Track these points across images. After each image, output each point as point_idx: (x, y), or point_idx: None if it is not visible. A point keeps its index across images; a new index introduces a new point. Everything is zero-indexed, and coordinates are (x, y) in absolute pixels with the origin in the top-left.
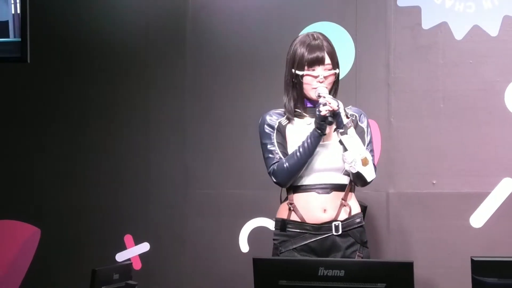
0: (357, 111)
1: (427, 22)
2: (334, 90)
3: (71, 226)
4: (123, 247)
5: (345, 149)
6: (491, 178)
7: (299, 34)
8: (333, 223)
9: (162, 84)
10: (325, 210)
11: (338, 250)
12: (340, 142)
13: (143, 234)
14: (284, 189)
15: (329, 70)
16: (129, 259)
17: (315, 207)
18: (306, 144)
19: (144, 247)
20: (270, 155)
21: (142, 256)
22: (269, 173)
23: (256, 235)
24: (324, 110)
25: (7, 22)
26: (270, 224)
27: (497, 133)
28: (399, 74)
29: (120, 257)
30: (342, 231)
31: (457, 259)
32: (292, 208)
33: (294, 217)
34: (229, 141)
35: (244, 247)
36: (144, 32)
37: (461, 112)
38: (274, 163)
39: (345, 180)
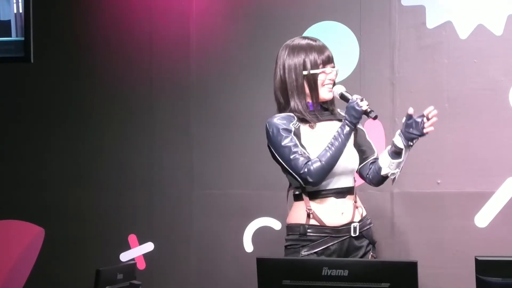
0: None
1: (432, 21)
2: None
3: (75, 226)
4: (127, 247)
5: (396, 157)
6: (495, 177)
7: (290, 40)
8: (352, 225)
9: (167, 85)
10: (342, 213)
11: (355, 251)
12: (398, 150)
13: (147, 234)
14: (291, 195)
15: (334, 67)
16: (133, 259)
17: (334, 211)
18: (340, 139)
19: (148, 247)
20: (298, 156)
21: (146, 256)
22: (302, 173)
23: (260, 235)
24: (365, 105)
25: (9, 21)
26: (274, 224)
27: (501, 132)
28: (404, 74)
29: (124, 257)
30: (359, 232)
31: (462, 259)
32: (311, 215)
33: (313, 222)
34: (234, 142)
35: (248, 247)
36: (149, 32)
37: (465, 112)
38: (307, 163)
39: (353, 182)
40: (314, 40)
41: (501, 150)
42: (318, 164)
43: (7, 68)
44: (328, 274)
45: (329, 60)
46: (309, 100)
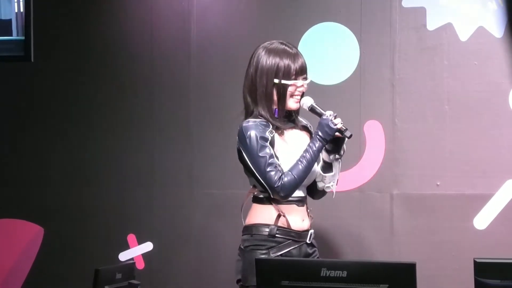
0: (308, 123)
1: (432, 23)
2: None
3: (75, 225)
4: (126, 247)
5: (329, 171)
6: (495, 180)
7: (266, 42)
8: (310, 231)
9: (167, 84)
10: (303, 220)
11: (309, 257)
12: (328, 164)
13: (146, 234)
14: (250, 198)
15: (306, 79)
16: (132, 259)
17: (297, 216)
18: (312, 154)
19: (147, 246)
20: (273, 169)
21: (145, 255)
22: (276, 187)
23: None
24: (339, 123)
25: (10, 20)
26: None
27: (501, 134)
28: (404, 75)
29: (123, 256)
30: (311, 240)
31: (460, 261)
32: (282, 215)
33: (281, 223)
34: (233, 142)
35: None
36: (149, 32)
37: (465, 114)
38: (281, 177)
39: (305, 192)
40: (291, 47)
41: (500, 152)
42: (291, 178)
43: (7, 67)
44: (327, 275)
45: (302, 71)
46: (275, 107)
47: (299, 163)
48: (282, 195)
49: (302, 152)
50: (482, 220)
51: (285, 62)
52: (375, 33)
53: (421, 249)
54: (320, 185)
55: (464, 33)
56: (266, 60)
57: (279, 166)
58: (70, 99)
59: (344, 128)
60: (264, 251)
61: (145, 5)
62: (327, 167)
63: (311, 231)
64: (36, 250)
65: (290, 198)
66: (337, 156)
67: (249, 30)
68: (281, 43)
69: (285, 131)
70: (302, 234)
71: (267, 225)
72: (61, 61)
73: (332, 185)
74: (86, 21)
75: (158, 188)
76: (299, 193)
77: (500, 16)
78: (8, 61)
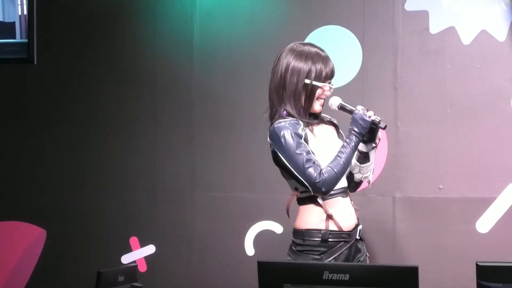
0: (332, 117)
1: (435, 26)
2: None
3: (77, 228)
4: (128, 249)
5: (366, 161)
6: (497, 183)
7: (295, 43)
8: (359, 227)
9: (170, 88)
10: (351, 214)
11: (359, 253)
12: (364, 154)
13: (148, 237)
14: (295, 201)
15: (331, 84)
16: (134, 261)
17: (345, 212)
18: (349, 150)
19: (150, 249)
20: (313, 165)
21: (147, 258)
22: (317, 183)
23: (261, 238)
24: (373, 115)
25: (13, 23)
26: (275, 227)
27: (504, 138)
28: (406, 78)
29: (126, 259)
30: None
31: (463, 264)
32: (331, 217)
33: (332, 226)
34: (236, 145)
35: (250, 250)
36: (152, 35)
37: (468, 117)
38: (321, 172)
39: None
40: (322, 50)
41: (503, 156)
42: (332, 173)
43: (11, 69)
44: (329, 278)
45: (331, 75)
46: (301, 106)
47: (338, 158)
48: (323, 190)
49: (339, 147)
50: (485, 223)
51: (317, 65)
52: (378, 37)
53: (423, 252)
54: (357, 176)
55: (467, 37)
56: (299, 61)
57: (317, 161)
58: (73, 101)
59: (378, 119)
60: (317, 256)
61: (148, 8)
62: (364, 157)
63: (360, 226)
64: (39, 252)
65: (332, 192)
66: (373, 145)
67: (252, 33)
68: (313, 46)
69: (313, 127)
70: (352, 233)
71: (319, 231)
72: (64, 63)
73: (369, 175)
74: (89, 24)
75: (160, 191)
76: (341, 184)
77: (502, 20)
78: (11, 63)
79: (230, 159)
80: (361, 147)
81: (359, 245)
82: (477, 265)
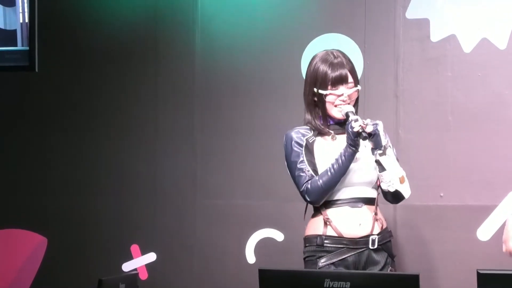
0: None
1: (436, 34)
2: (356, 107)
3: (78, 235)
4: (129, 257)
5: (382, 169)
6: (498, 191)
7: (320, 52)
8: (370, 237)
9: (171, 94)
10: (360, 224)
11: (373, 264)
12: (377, 162)
13: (149, 244)
14: (310, 207)
15: (352, 87)
16: (135, 269)
17: (350, 221)
18: (340, 161)
19: (151, 257)
20: (301, 173)
21: (148, 266)
22: (302, 191)
23: (262, 246)
24: (357, 126)
25: (15, 31)
26: (277, 235)
27: (505, 145)
28: (408, 86)
29: (127, 267)
30: (378, 245)
31: (464, 272)
32: (328, 223)
33: (330, 232)
34: (237, 152)
35: (251, 257)
36: (153, 41)
37: (469, 125)
38: (307, 181)
39: (374, 194)
40: (336, 56)
41: (504, 164)
42: (316, 185)
43: (12, 77)
44: (330, 286)
45: (341, 80)
46: (318, 113)
47: (328, 169)
48: (308, 200)
49: (334, 158)
50: (486, 231)
51: (322, 71)
52: (379, 44)
53: (424, 260)
54: (383, 186)
55: (467, 45)
56: (311, 68)
57: (309, 171)
58: (74, 108)
59: (361, 130)
60: (314, 261)
61: (149, 15)
62: (379, 166)
63: (374, 237)
64: (40, 260)
65: (338, 201)
66: (379, 151)
67: (253, 40)
68: (330, 52)
69: (338, 136)
70: (359, 241)
71: (317, 236)
72: (66, 71)
73: (391, 184)
74: (90, 31)
75: (161, 198)
76: (353, 194)
77: (503, 28)
78: (13, 71)
79: (231, 167)
80: (372, 156)
81: (376, 257)
82: (478, 273)
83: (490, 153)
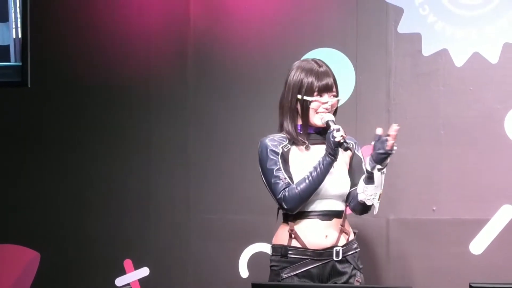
0: (352, 140)
1: (428, 49)
2: (335, 117)
3: (71, 250)
4: (122, 272)
5: (371, 182)
6: (491, 204)
7: (300, 60)
8: (334, 249)
9: (164, 108)
10: (326, 236)
11: (338, 276)
12: (370, 175)
13: (143, 259)
14: (280, 214)
15: (334, 97)
16: (128, 284)
17: (317, 233)
18: (319, 169)
19: (144, 272)
20: (278, 181)
21: (141, 281)
22: (278, 199)
23: (255, 260)
24: (338, 136)
25: (8, 46)
26: (269, 249)
27: (497, 160)
28: (399, 101)
29: (120, 281)
30: (342, 257)
31: (457, 286)
32: (293, 235)
33: (295, 243)
34: (231, 166)
35: (244, 272)
36: (146, 55)
37: (461, 139)
38: (284, 189)
39: (343, 206)
40: (320, 65)
41: (496, 177)
42: (294, 191)
43: (5, 93)
44: None
45: (326, 89)
46: (299, 122)
47: (306, 177)
48: (285, 207)
49: (312, 166)
50: (478, 245)
51: (309, 79)
52: (371, 59)
53: (417, 274)
54: (361, 196)
55: (459, 59)
56: (294, 76)
57: (286, 179)
58: (67, 124)
59: (343, 141)
60: (277, 271)
61: (142, 30)
62: (369, 178)
63: (338, 248)
64: (33, 276)
65: (311, 213)
66: (378, 167)
67: (246, 55)
68: (311, 61)
69: (312, 146)
70: (323, 252)
71: (281, 246)
72: (58, 86)
73: (373, 198)
74: (83, 46)
75: (154, 213)
76: (325, 207)
77: (495, 42)
78: (5, 86)
79: (225, 182)
80: (367, 166)
81: (341, 268)
82: (470, 287)
83: (482, 166)
